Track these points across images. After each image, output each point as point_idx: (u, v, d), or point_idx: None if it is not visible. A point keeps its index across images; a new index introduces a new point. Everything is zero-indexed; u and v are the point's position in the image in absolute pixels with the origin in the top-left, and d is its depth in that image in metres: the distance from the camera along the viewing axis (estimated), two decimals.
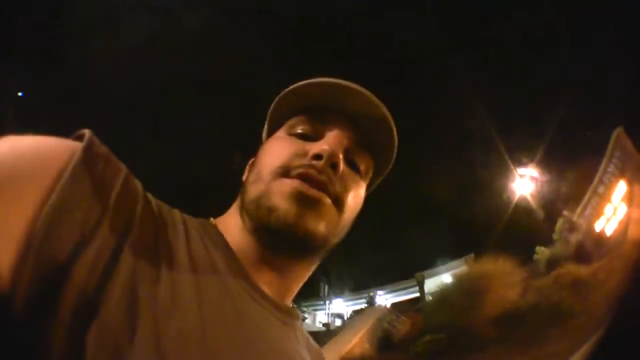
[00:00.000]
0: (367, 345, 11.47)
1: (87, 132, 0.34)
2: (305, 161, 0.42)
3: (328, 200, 0.42)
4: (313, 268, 0.49)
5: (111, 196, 0.31)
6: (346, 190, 0.45)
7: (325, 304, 20.69)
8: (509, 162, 12.36)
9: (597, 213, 9.08)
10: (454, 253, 16.27)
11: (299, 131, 0.47)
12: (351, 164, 0.47)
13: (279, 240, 0.41)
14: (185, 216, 0.43)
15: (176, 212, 0.42)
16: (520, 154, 12.27)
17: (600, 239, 8.64)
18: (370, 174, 0.51)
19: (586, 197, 9.50)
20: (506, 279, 8.23)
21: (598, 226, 8.93)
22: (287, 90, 0.49)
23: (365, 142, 0.48)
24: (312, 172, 0.41)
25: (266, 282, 0.43)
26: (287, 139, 0.47)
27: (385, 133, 0.49)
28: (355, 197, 0.47)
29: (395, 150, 0.51)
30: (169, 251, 0.35)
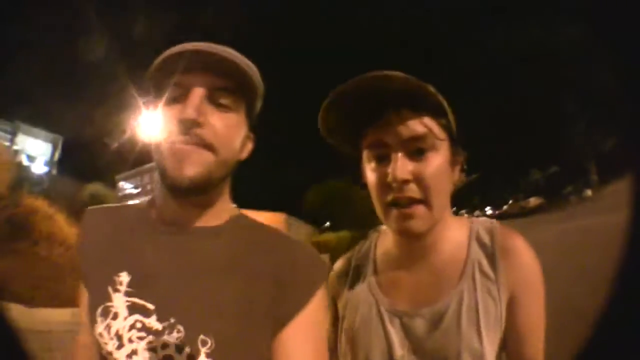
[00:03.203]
0: None
1: None
2: (177, 127, 0.54)
3: (199, 149, 0.54)
4: (223, 190, 0.62)
5: None
6: (215, 134, 0.55)
7: None
8: None
9: None
10: None
11: (171, 98, 0.56)
12: (218, 105, 0.56)
13: (176, 191, 0.55)
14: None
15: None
16: None
17: None
18: (244, 104, 0.60)
19: None
20: None
21: None
22: (155, 65, 0.56)
23: (231, 84, 0.56)
24: (180, 136, 0.53)
25: (188, 217, 0.59)
26: (165, 110, 0.56)
27: (240, 73, 0.56)
28: (229, 130, 0.57)
29: (257, 80, 0.58)
30: None
